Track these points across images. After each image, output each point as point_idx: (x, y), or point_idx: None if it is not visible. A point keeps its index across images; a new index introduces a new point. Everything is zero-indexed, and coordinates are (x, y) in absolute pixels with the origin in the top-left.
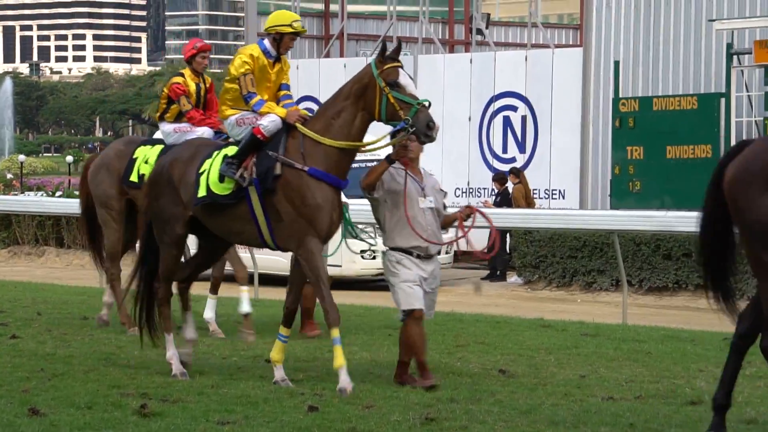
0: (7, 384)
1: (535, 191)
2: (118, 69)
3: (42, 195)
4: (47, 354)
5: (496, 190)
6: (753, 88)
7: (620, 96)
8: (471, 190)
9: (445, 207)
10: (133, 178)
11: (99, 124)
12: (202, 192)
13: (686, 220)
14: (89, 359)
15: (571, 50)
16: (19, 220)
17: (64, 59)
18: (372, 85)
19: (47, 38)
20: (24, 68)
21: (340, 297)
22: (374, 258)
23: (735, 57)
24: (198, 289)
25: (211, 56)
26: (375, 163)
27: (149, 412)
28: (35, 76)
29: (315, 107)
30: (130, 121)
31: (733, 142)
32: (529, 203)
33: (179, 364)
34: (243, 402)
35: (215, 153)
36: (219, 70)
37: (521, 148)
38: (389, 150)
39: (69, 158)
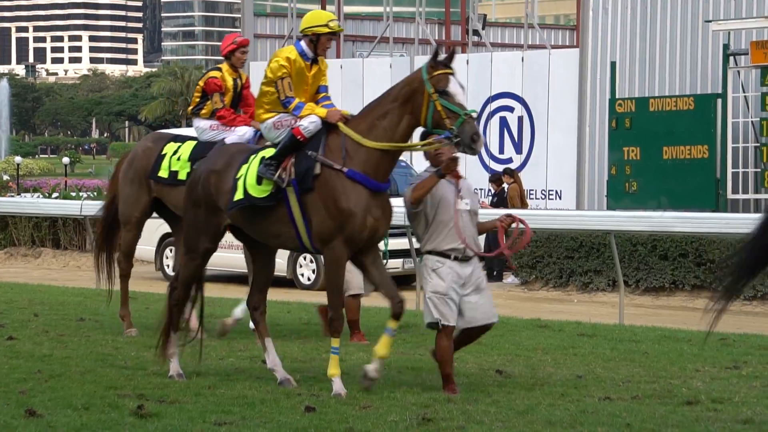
0: (4, 385)
1: (531, 192)
2: (115, 70)
3: (38, 196)
4: (44, 355)
5: (493, 191)
6: (749, 88)
7: (617, 97)
8: None
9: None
10: (163, 173)
11: (95, 126)
12: (239, 195)
13: (683, 221)
14: (86, 360)
15: (568, 51)
16: (16, 222)
17: (60, 60)
18: (420, 90)
19: (43, 39)
20: (20, 70)
21: None
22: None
23: (731, 58)
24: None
25: (207, 58)
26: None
27: (146, 413)
28: (31, 77)
29: None
30: (127, 123)
31: (729, 143)
32: (524, 203)
33: (177, 364)
34: (240, 403)
35: (251, 157)
36: None
37: (518, 148)
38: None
39: (65, 160)
